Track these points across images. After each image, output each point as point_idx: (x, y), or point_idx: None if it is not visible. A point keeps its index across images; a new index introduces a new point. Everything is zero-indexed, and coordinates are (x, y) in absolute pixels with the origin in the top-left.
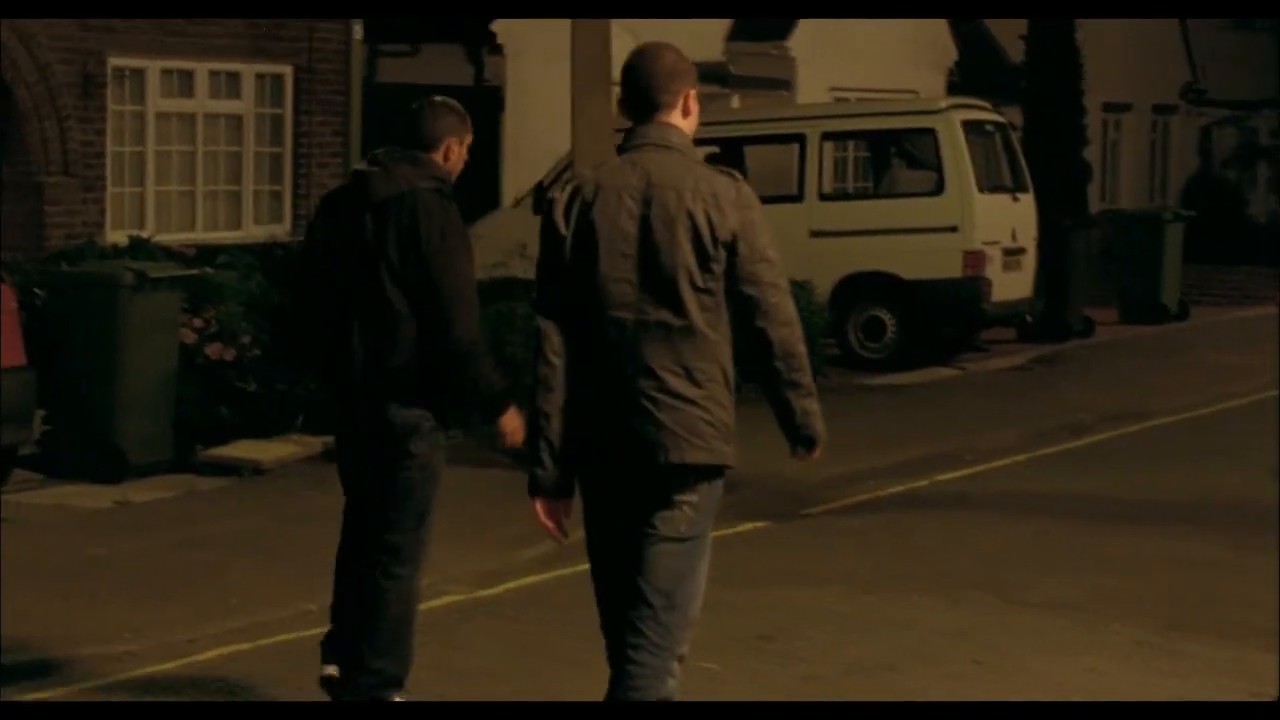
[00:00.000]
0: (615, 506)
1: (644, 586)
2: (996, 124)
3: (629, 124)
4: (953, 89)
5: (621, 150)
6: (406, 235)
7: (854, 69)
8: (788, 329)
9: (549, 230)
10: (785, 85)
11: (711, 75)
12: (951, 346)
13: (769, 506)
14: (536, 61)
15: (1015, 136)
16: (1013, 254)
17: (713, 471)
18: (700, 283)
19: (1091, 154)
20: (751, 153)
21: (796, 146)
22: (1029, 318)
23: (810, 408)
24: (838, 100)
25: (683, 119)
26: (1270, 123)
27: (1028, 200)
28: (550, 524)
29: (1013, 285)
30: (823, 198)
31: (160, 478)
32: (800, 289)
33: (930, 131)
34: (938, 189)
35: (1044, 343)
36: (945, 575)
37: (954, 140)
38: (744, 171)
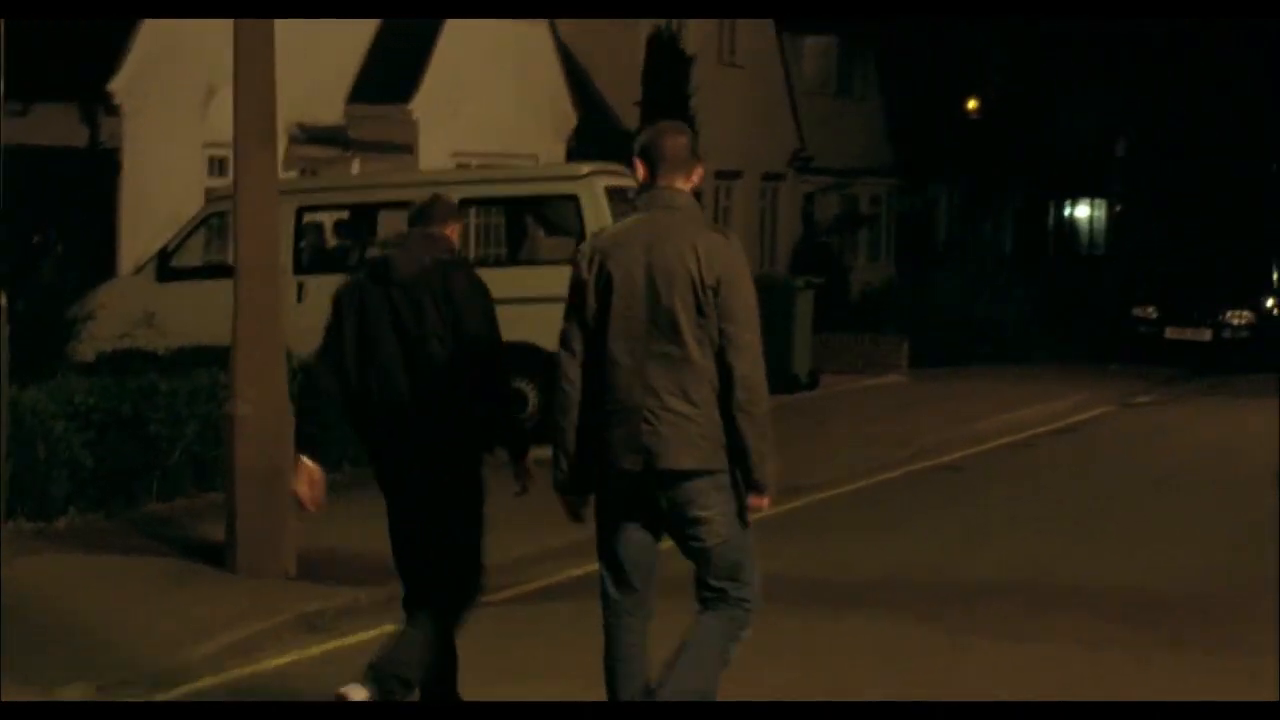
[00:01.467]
0: (630, 507)
1: (715, 575)
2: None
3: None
4: (571, 155)
5: (637, 209)
6: (442, 299)
7: (476, 134)
8: (752, 365)
9: (575, 278)
10: (407, 149)
11: (331, 138)
12: None
13: None
14: (155, 121)
15: None
16: None
17: (711, 475)
18: (695, 320)
19: None
20: (387, 219)
21: None
22: None
23: (762, 448)
24: (477, 166)
25: (685, 184)
26: (870, 190)
27: None
28: (571, 515)
29: None
30: None
31: None
32: None
33: (573, 198)
34: None
35: None
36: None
37: (597, 207)
38: (372, 238)
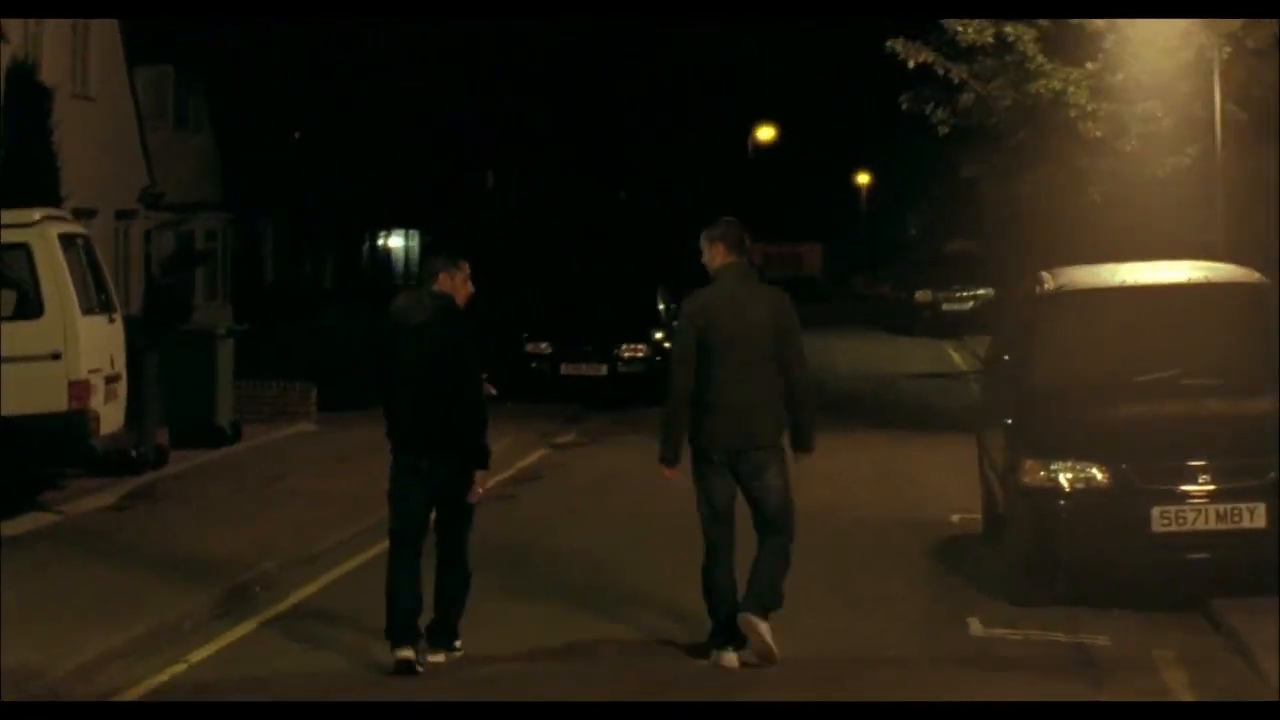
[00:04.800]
0: (722, 471)
1: (772, 519)
2: (83, 237)
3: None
4: None
5: (724, 276)
6: (445, 336)
7: None
8: (807, 377)
9: (688, 323)
10: None
11: None
12: (29, 488)
13: None
14: None
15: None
16: (112, 381)
17: (775, 449)
18: (772, 350)
19: None
20: None
21: None
22: (134, 452)
23: (812, 428)
24: None
25: (746, 258)
26: (206, 225)
27: (120, 321)
28: (676, 476)
29: (113, 416)
30: None
31: None
32: None
33: (24, 247)
34: (35, 311)
35: (117, 475)
36: None
37: (52, 256)
38: None
